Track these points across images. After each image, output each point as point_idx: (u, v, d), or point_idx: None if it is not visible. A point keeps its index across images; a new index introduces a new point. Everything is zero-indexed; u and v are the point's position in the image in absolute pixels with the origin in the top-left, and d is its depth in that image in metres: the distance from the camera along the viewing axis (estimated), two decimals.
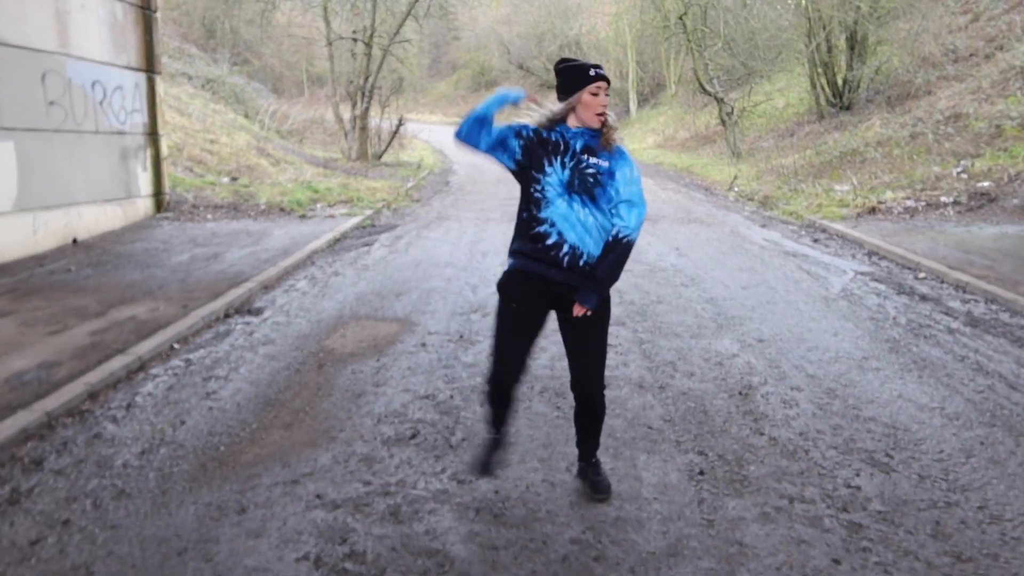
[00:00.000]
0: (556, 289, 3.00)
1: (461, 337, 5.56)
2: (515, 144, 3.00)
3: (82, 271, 7.49)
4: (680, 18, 19.99)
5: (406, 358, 5.10)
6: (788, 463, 3.59)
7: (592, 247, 2.97)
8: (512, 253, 3.08)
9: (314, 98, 34.95)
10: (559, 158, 2.98)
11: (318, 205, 12.05)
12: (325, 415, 4.16)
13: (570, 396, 4.33)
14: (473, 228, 10.65)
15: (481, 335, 5.60)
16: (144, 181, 10.50)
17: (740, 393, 4.45)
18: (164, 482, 3.42)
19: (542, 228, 2.97)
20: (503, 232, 10.27)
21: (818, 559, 2.82)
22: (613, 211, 2.99)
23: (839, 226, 10.15)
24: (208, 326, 5.90)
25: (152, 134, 10.71)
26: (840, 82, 19.54)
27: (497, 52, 45.15)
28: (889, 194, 11.57)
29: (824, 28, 19.11)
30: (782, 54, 22.05)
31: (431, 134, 29.88)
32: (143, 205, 10.46)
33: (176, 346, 5.39)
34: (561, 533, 2.98)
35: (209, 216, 10.90)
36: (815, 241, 9.64)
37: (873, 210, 10.96)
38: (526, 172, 3.01)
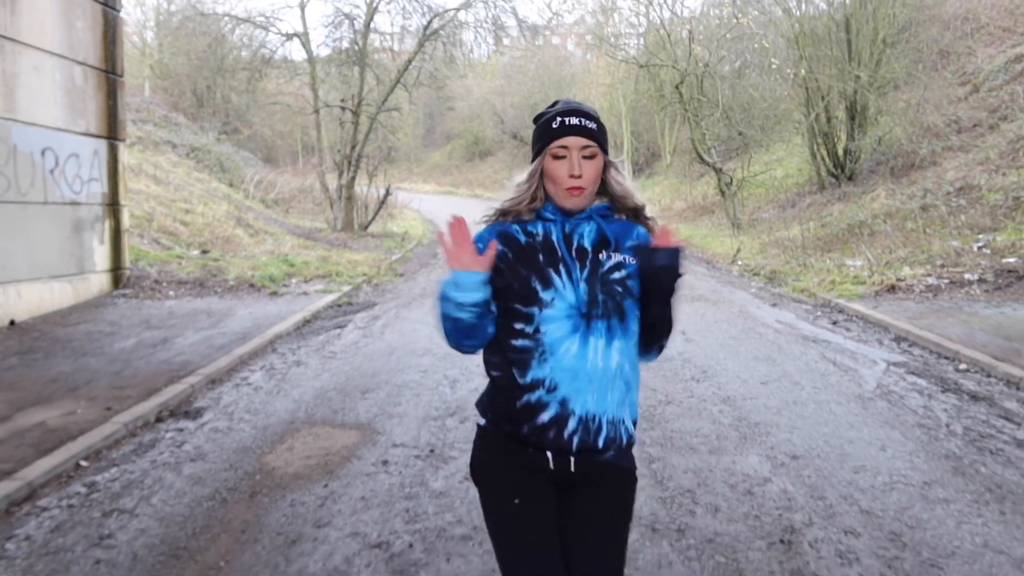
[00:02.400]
0: (565, 474, 1.88)
1: (432, 451, 4.59)
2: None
3: (5, 361, 6.53)
4: (676, 87, 19.58)
5: (361, 483, 4.12)
6: None
7: (616, 406, 1.85)
8: (487, 419, 1.97)
9: (307, 167, 34.61)
10: (564, 268, 1.86)
11: (292, 280, 11.18)
12: (243, 574, 3.16)
13: None
14: None
15: (456, 449, 4.63)
16: (100, 255, 9.63)
17: (781, 540, 3.48)
18: None
19: (532, 397, 1.83)
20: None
21: None
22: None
23: (858, 306, 9.29)
24: (131, 434, 4.92)
25: (112, 204, 9.89)
26: (841, 152, 19.03)
27: (491, 122, 45.24)
28: (907, 270, 10.76)
29: (823, 98, 18.70)
30: (780, 124, 21.65)
31: (422, 203, 29.34)
32: (98, 281, 9.56)
33: (84, 463, 4.42)
34: None
35: (171, 293, 10.00)
36: (834, 323, 8.76)
37: (892, 288, 10.12)
38: (502, 317, 1.89)
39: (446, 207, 31.14)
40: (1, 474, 4.09)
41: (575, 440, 1.82)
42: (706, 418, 5.28)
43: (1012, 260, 10.44)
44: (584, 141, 1.85)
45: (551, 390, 1.81)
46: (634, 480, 1.96)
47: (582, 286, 1.84)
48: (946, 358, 7.04)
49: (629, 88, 26.53)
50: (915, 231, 12.81)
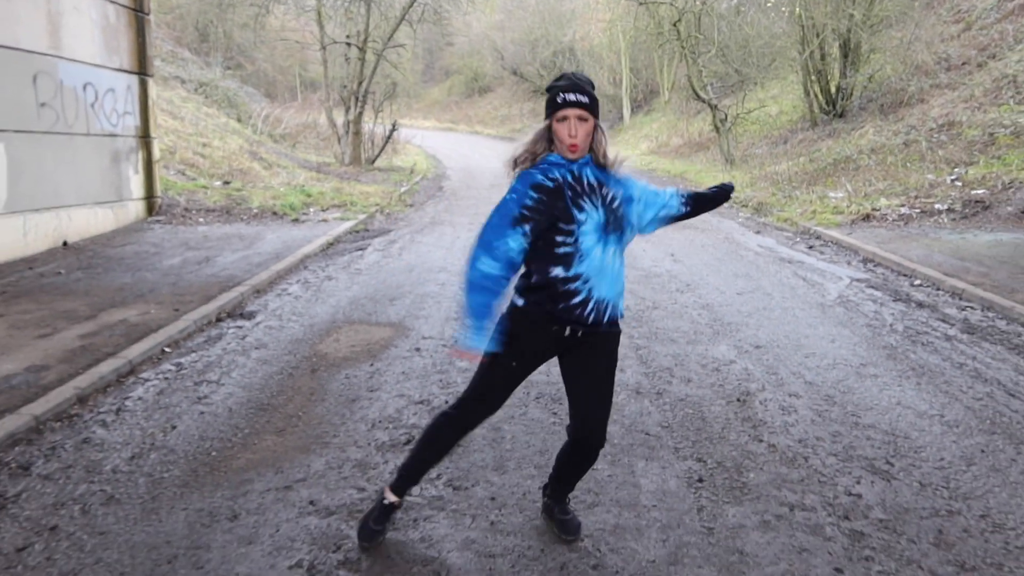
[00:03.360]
0: (571, 342, 2.67)
1: (456, 342, 5.50)
2: (520, 232, 2.56)
3: (72, 274, 7.40)
4: (674, 25, 20.02)
5: (400, 363, 5.04)
6: (788, 470, 3.54)
7: (613, 295, 2.65)
8: (522, 295, 2.67)
9: (307, 103, 34.86)
10: (588, 199, 2.59)
11: (311, 209, 11.98)
12: (318, 420, 4.09)
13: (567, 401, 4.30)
14: (466, 233, 10.60)
15: None
16: (136, 184, 10.42)
17: (738, 399, 4.41)
18: (154, 488, 3.35)
19: (573, 286, 2.58)
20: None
21: (820, 568, 2.78)
22: (662, 204, 2.82)
23: (834, 233, 10.15)
24: (200, 330, 5.82)
25: (144, 137, 10.63)
26: (833, 90, 19.59)
27: (491, 58, 45.19)
28: (883, 201, 11.58)
29: (818, 36, 19.16)
30: (776, 61, 22.11)
31: (424, 139, 29.85)
32: (134, 208, 10.37)
33: (167, 350, 5.32)
34: (559, 541, 2.93)
35: (201, 220, 10.82)
36: (810, 248, 9.63)
37: (868, 217, 10.96)
38: (545, 234, 2.58)
39: (448, 144, 31.67)
40: (105, 355, 4.99)
41: (591, 317, 2.61)
42: (686, 319, 6.19)
43: (980, 192, 11.25)
44: (579, 112, 2.56)
45: (585, 281, 2.58)
46: (619, 334, 2.78)
47: (601, 210, 2.59)
48: (904, 275, 7.93)
49: (628, 24, 26.82)
50: (895, 165, 13.57)
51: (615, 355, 2.77)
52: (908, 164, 13.49)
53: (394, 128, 20.82)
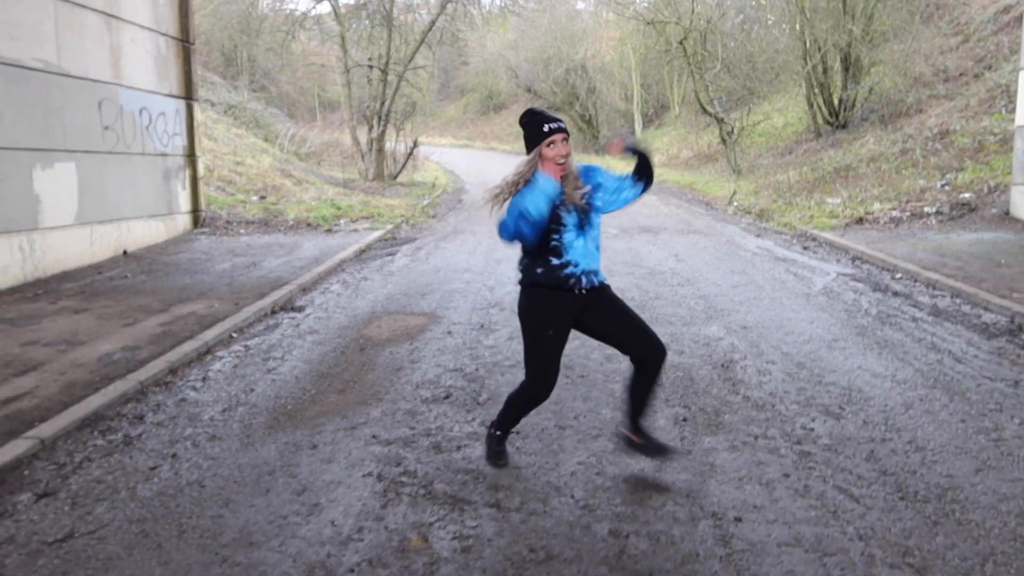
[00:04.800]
0: (582, 301, 3.43)
1: (482, 326, 6.35)
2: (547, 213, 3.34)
3: (137, 277, 8.33)
4: (680, 42, 20.92)
5: (435, 342, 5.89)
6: (756, 413, 4.35)
7: (595, 266, 3.46)
8: (534, 280, 3.43)
9: (327, 122, 36.06)
10: (564, 207, 3.36)
11: (342, 221, 12.90)
12: (371, 384, 4.94)
13: (578, 367, 5.13)
14: (487, 240, 11.46)
15: (499, 325, 6.39)
16: (183, 199, 11.39)
17: (722, 365, 5.22)
18: (246, 430, 4.21)
19: (567, 269, 3.39)
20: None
21: (772, 473, 3.58)
22: (621, 187, 3.50)
23: (828, 235, 10.92)
24: (259, 320, 6.71)
25: (191, 156, 11.61)
26: (836, 101, 20.38)
27: (505, 76, 46.22)
28: (876, 205, 12.34)
29: (820, 50, 19.98)
30: (780, 75, 22.94)
31: (442, 156, 30.88)
32: (182, 221, 11.34)
33: (235, 335, 6.20)
34: (570, 458, 3.75)
35: (242, 231, 11.76)
36: (805, 248, 10.42)
37: (861, 220, 11.73)
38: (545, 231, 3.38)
39: (465, 160, 32.66)
40: (184, 339, 5.88)
41: (585, 284, 3.41)
42: (684, 307, 7.01)
43: (967, 195, 12.00)
44: (562, 134, 3.34)
45: (575, 265, 3.39)
46: (609, 288, 3.57)
47: (574, 213, 3.37)
48: (887, 270, 8.70)
49: (638, 42, 27.78)
50: (890, 172, 14.34)
51: (617, 297, 3.58)
52: (902, 171, 14.25)
53: (415, 145, 21.82)
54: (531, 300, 3.47)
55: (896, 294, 7.48)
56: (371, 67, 20.66)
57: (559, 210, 3.36)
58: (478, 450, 3.85)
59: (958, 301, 7.13)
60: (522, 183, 3.38)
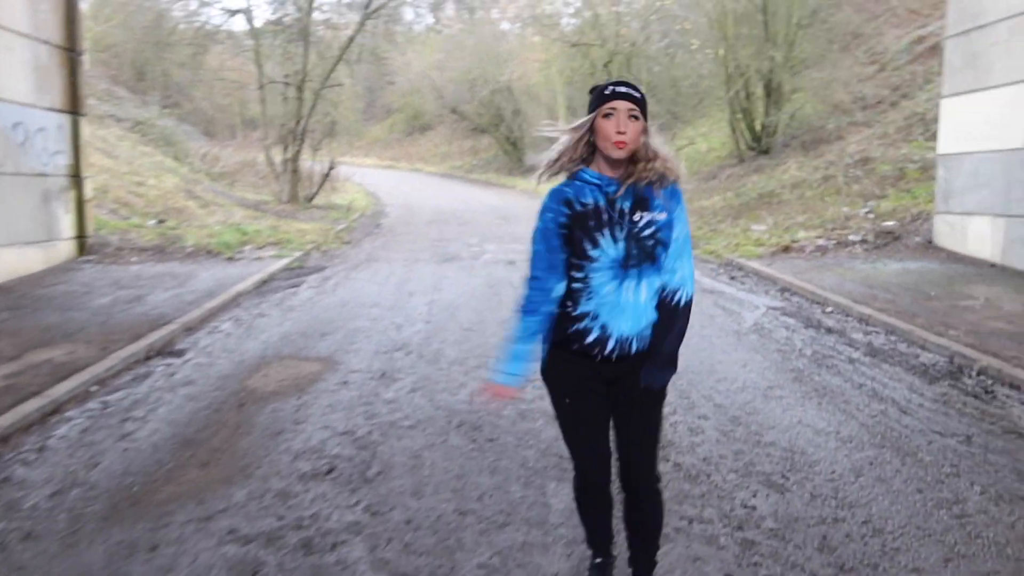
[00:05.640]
0: (609, 373, 2.49)
1: (383, 375, 5.64)
2: (561, 243, 2.42)
3: None
4: (605, 65, 20.71)
5: (327, 396, 5.15)
6: (690, 487, 3.77)
7: (645, 325, 2.43)
8: (548, 341, 2.54)
9: (247, 141, 34.72)
10: (608, 231, 2.35)
11: (247, 247, 11.98)
12: (243, 453, 4.18)
13: (487, 428, 4.47)
14: (402, 268, 10.75)
15: (403, 373, 5.69)
16: (66, 224, 10.31)
17: None
18: (74, 523, 3.40)
19: (581, 325, 2.41)
20: (431, 272, 10.40)
21: (711, 574, 2.99)
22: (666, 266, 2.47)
23: (755, 264, 10.60)
24: (128, 368, 5.84)
25: (76, 176, 10.55)
26: (759, 127, 20.45)
27: (431, 97, 45.65)
28: (802, 233, 12.14)
29: (742, 76, 20.04)
30: (704, 100, 22.98)
31: (364, 177, 29.98)
32: (65, 248, 10.25)
33: (94, 388, 5.33)
34: (469, 559, 3.09)
35: (134, 259, 10.74)
36: (732, 278, 10.05)
37: (787, 248, 11.48)
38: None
39: (388, 181, 31.85)
40: (30, 394, 4.98)
41: (614, 354, 2.41)
42: None
43: (891, 223, 11.90)
44: (629, 105, 2.31)
45: (594, 318, 2.38)
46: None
47: (621, 244, 2.34)
48: (817, 303, 8.35)
49: (563, 65, 27.57)
50: (814, 199, 14.25)
51: (663, 393, 2.59)
52: (826, 198, 14.18)
53: (332, 166, 20.93)
54: (545, 356, 2.58)
55: (829, 331, 7.09)
56: (287, 84, 19.74)
57: (592, 230, 2.36)
58: (358, 549, 3.15)
59: (893, 339, 6.78)
60: (566, 161, 2.43)
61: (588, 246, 2.34)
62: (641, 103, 2.36)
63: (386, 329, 7.11)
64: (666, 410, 4.81)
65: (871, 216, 12.43)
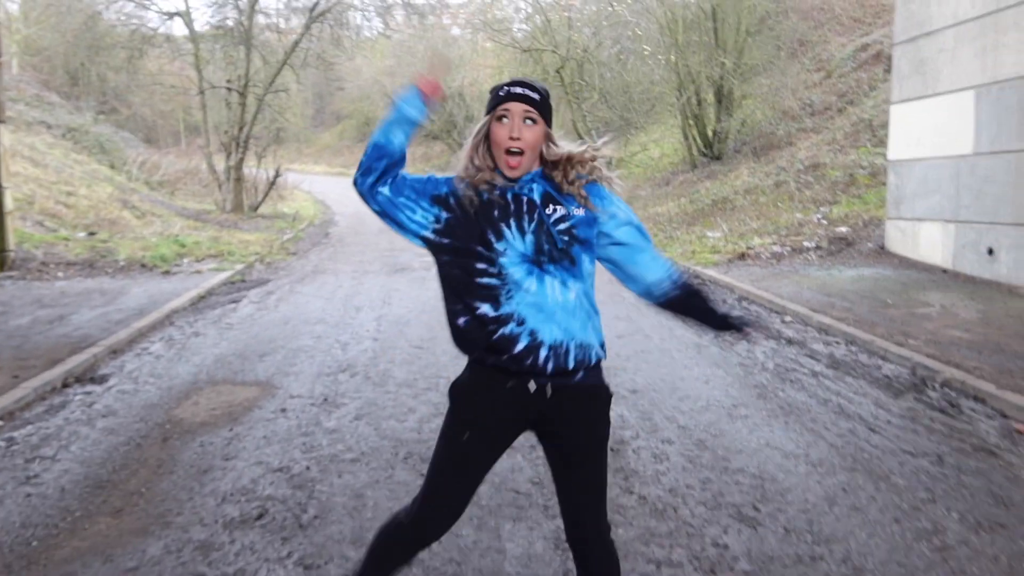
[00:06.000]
0: (541, 404, 2.11)
1: (325, 400, 5.24)
2: (428, 213, 2.15)
3: None
4: (557, 71, 20.52)
5: (262, 426, 4.73)
6: (657, 523, 3.47)
7: (580, 331, 2.08)
8: (456, 337, 2.17)
9: (191, 148, 33.71)
10: (515, 221, 2.09)
11: (184, 260, 11.42)
12: (163, 497, 3.75)
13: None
14: (350, 281, 10.32)
15: (347, 397, 5.29)
16: None
17: (611, 449, 4.34)
18: None
19: (505, 330, 2.05)
20: (380, 285, 10.00)
21: None
22: (635, 270, 2.24)
23: (712, 272, 10.44)
24: (41, 398, 5.33)
25: None
26: (710, 133, 20.48)
27: (382, 103, 45.09)
28: (757, 240, 12.05)
29: (693, 83, 20.05)
30: (656, 106, 22.97)
31: (313, 184, 29.34)
32: None
33: (0, 423, 4.82)
34: None
35: (60, 274, 10.11)
36: None
37: (743, 256, 11.36)
38: (453, 253, 2.12)
39: (338, 188, 31.17)
40: None
41: (549, 365, 2.04)
42: None
43: (844, 229, 11.88)
44: (524, 107, 2.05)
45: (520, 323, 2.03)
46: (607, 395, 2.21)
47: (529, 237, 2.06)
48: (776, 312, 8.18)
49: (515, 71, 27.33)
50: (767, 205, 14.22)
51: (605, 436, 2.22)
52: (779, 204, 14.15)
53: (277, 174, 20.31)
54: (466, 372, 2.19)
55: (790, 342, 6.91)
56: (229, 89, 19.09)
57: (485, 225, 2.08)
58: None
59: (854, 349, 6.61)
60: (474, 172, 2.14)
61: (492, 237, 2.07)
62: (540, 104, 2.10)
63: (330, 348, 6.70)
64: (628, 434, 4.54)
65: (824, 222, 12.40)
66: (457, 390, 2.18)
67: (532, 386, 2.08)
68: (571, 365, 2.07)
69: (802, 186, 14.67)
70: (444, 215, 2.13)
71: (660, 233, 14.18)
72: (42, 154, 17.15)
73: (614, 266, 2.27)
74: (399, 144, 2.17)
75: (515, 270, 2.05)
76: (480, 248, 2.07)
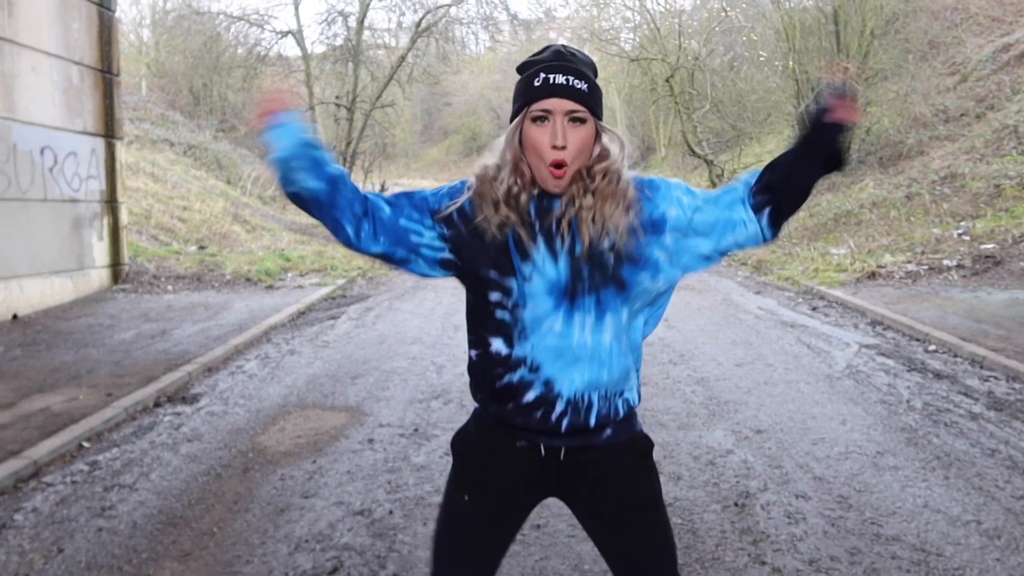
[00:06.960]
0: (554, 474, 1.66)
1: (416, 431, 4.85)
2: (433, 232, 1.68)
3: (10, 352, 6.79)
4: (667, 80, 19.82)
5: (347, 458, 4.38)
6: None
7: (608, 378, 1.58)
8: (477, 400, 1.73)
9: None
10: (544, 242, 1.57)
11: (288, 275, 11.44)
12: (234, 539, 3.42)
13: (534, 510, 3.63)
14: (449, 298, 10.02)
15: (438, 428, 4.89)
16: (100, 251, 9.88)
17: (736, 504, 3.74)
18: None
19: (514, 377, 1.59)
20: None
21: None
22: (734, 200, 1.66)
23: (838, 292, 9.55)
24: (131, 418, 5.18)
25: (110, 201, 10.14)
26: None
27: (488, 117, 45.41)
28: (888, 257, 11.01)
29: (812, 90, 18.89)
30: (771, 116, 21.87)
31: None
32: (98, 276, 9.82)
33: (86, 444, 4.67)
34: None
35: (169, 287, 10.26)
36: (813, 309, 9.01)
37: (873, 275, 10.38)
38: (463, 277, 1.69)
39: None
40: (8, 454, 4.35)
41: (564, 422, 1.58)
42: (679, 397, 5.53)
43: (990, 246, 10.69)
44: (571, 105, 1.53)
45: (533, 369, 1.58)
46: (648, 445, 1.71)
47: (562, 262, 1.56)
48: (917, 340, 7.29)
49: (622, 82, 26.76)
50: (898, 219, 13.06)
51: (649, 485, 1.68)
52: (912, 218, 12.98)
53: (383, 188, 20.46)
54: (470, 422, 1.76)
55: (938, 375, 6.05)
56: (337, 105, 19.38)
57: (525, 243, 1.57)
58: None
59: (1018, 387, 5.71)
60: (507, 189, 1.60)
61: (517, 259, 1.56)
62: (589, 96, 1.55)
63: (425, 371, 6.34)
64: (755, 485, 3.91)
65: (966, 238, 11.21)
66: (459, 442, 1.75)
67: (542, 451, 1.62)
68: (592, 423, 1.59)
69: (938, 199, 13.42)
70: (447, 232, 1.66)
71: (778, 249, 13.26)
72: (163, 170, 17.84)
73: (728, 251, 1.69)
74: (315, 184, 1.65)
75: (537, 303, 1.56)
76: (494, 274, 1.59)
